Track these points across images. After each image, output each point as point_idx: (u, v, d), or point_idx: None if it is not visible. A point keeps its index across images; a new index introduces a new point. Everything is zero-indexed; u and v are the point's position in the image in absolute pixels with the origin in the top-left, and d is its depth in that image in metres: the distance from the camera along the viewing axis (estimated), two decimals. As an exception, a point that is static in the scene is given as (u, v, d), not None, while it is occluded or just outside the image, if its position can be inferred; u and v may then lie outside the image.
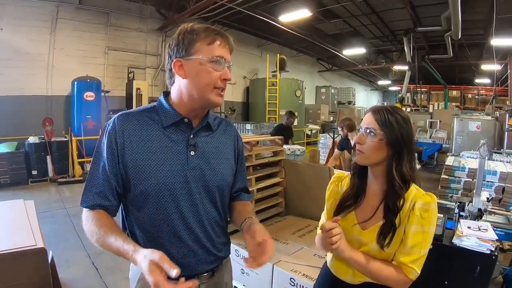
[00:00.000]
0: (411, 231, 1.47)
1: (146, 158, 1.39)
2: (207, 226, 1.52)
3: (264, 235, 1.38)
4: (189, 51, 1.38)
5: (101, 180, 1.40)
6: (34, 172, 9.02)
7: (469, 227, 2.72)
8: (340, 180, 1.80)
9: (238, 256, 3.35)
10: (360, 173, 1.67)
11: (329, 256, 1.80)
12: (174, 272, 1.08)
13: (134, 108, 1.55)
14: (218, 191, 1.54)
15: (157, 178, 1.39)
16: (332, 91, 22.89)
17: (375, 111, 1.57)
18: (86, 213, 1.40)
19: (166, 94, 1.54)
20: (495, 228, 2.91)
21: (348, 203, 1.66)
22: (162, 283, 1.07)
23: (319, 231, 1.74)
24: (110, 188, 1.40)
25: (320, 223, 1.79)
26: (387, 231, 1.49)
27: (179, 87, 1.45)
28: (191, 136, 1.47)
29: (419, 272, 1.48)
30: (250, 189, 3.99)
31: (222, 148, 1.59)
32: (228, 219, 1.72)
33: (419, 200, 1.49)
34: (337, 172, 3.31)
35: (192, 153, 1.46)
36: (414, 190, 1.54)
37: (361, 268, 1.54)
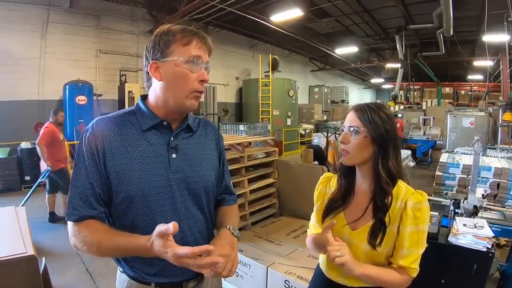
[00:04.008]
0: (407, 233, 1.45)
1: (127, 163, 1.34)
2: (193, 229, 1.48)
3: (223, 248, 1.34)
4: (164, 53, 1.35)
5: (85, 188, 1.34)
6: (27, 178, 8.93)
7: (464, 225, 2.70)
8: (328, 181, 1.77)
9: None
10: (347, 173, 1.64)
11: (321, 257, 1.78)
12: (171, 227, 1.13)
13: (113, 112, 1.49)
14: (204, 193, 1.51)
15: (139, 183, 1.34)
16: (325, 90, 23.06)
17: (358, 109, 1.55)
18: (74, 226, 1.33)
19: (144, 97, 1.50)
20: (491, 225, 2.89)
21: (336, 204, 1.64)
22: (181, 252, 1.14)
23: (309, 232, 1.74)
24: (95, 196, 1.34)
25: (310, 224, 1.79)
26: (378, 231, 1.47)
27: (155, 90, 1.42)
28: (172, 139, 1.44)
29: (419, 268, 1.48)
30: (243, 191, 4.05)
31: (204, 149, 1.56)
32: None
33: (410, 199, 1.47)
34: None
35: (174, 155, 1.42)
36: (403, 188, 1.52)
37: (371, 282, 1.50)
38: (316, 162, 7.27)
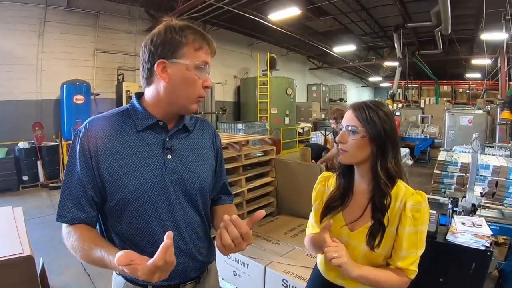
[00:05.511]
0: (405, 234, 1.43)
1: (121, 165, 1.31)
2: (190, 231, 1.45)
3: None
4: (175, 54, 1.30)
5: (77, 191, 1.31)
6: (25, 178, 8.91)
7: (463, 223, 2.69)
8: (327, 180, 1.75)
9: (230, 258, 3.32)
10: (346, 173, 1.62)
11: (319, 257, 1.77)
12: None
13: (106, 111, 1.46)
14: (199, 194, 1.48)
15: (134, 185, 1.31)
16: (324, 88, 22.97)
17: (355, 107, 1.52)
18: (65, 228, 1.32)
19: (139, 96, 1.47)
20: (489, 223, 2.88)
21: (335, 204, 1.62)
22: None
23: (308, 232, 1.73)
24: (87, 199, 1.32)
25: (309, 223, 1.77)
26: (377, 232, 1.45)
27: (157, 89, 1.36)
28: (167, 139, 1.40)
29: (417, 270, 1.46)
30: (240, 190, 4.04)
31: (200, 149, 1.53)
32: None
33: (409, 200, 1.45)
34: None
35: (169, 156, 1.39)
36: (403, 188, 1.50)
37: (368, 283, 1.49)
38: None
